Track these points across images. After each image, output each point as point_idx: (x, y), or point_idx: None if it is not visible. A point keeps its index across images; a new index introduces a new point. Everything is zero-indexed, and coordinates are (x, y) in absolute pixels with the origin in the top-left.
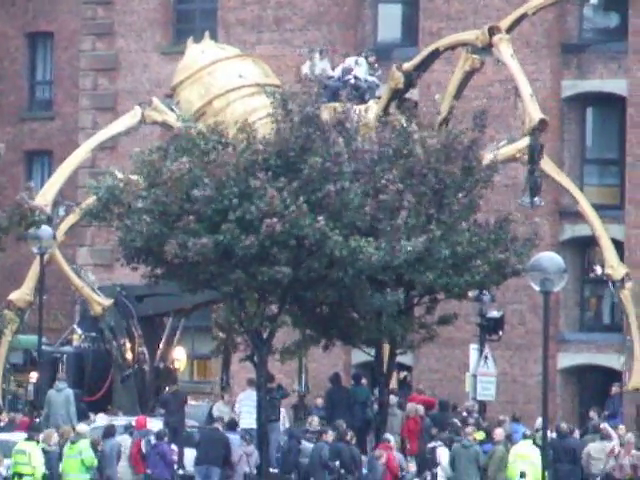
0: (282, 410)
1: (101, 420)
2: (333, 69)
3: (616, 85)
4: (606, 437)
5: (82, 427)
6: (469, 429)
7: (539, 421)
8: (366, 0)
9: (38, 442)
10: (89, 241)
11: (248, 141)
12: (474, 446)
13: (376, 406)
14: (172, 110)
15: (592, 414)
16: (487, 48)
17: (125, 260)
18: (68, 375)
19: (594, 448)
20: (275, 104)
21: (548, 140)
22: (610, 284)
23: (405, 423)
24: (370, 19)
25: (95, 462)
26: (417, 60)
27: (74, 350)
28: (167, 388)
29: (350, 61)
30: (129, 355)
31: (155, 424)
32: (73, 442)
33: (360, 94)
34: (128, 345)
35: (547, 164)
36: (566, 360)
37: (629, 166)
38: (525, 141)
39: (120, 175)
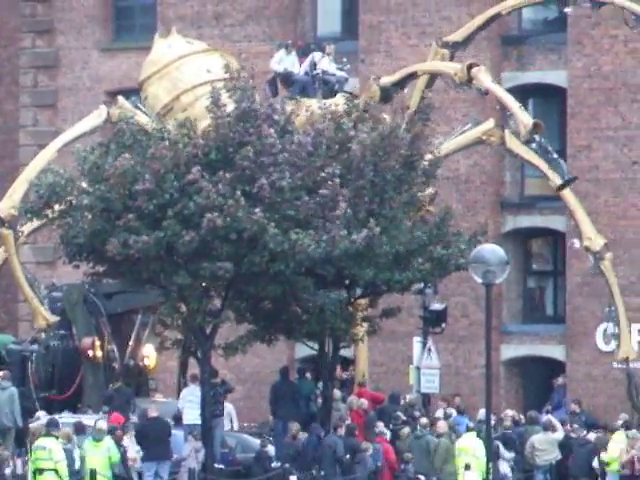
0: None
1: (44, 418)
2: (300, 64)
3: (556, 76)
4: (550, 428)
5: (102, 424)
6: (424, 420)
7: (482, 412)
8: None
9: (57, 437)
10: (31, 238)
11: (189, 136)
12: (426, 436)
13: (320, 400)
14: (138, 108)
15: (573, 406)
16: (466, 84)
17: (67, 258)
18: (38, 373)
19: (538, 439)
20: (210, 100)
21: None
22: (590, 256)
23: (348, 416)
24: (309, 13)
25: (119, 459)
26: (395, 77)
27: (52, 346)
28: (110, 385)
29: (316, 55)
30: (99, 353)
31: (100, 421)
32: (97, 439)
33: (329, 88)
34: (97, 343)
35: (515, 144)
36: (509, 351)
37: (570, 157)
38: (490, 123)
39: (62, 172)
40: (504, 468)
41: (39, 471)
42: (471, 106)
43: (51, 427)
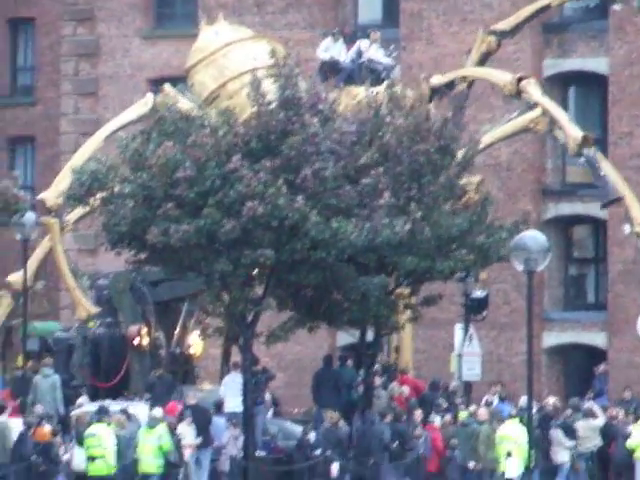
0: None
1: (88, 405)
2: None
3: (598, 64)
4: (591, 415)
5: (158, 411)
6: (473, 407)
7: (523, 399)
8: None
9: (109, 424)
10: (72, 226)
11: (229, 124)
12: (472, 424)
13: (361, 388)
14: (184, 96)
15: (626, 394)
16: (515, 96)
17: (109, 245)
18: (83, 361)
19: (580, 426)
20: (250, 87)
21: None
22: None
23: (394, 402)
24: (350, 0)
25: (172, 447)
26: (446, 79)
27: (90, 336)
28: (152, 372)
29: (363, 43)
30: (145, 341)
31: (141, 408)
32: (151, 427)
33: (376, 76)
34: (144, 331)
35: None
36: (551, 339)
37: (611, 144)
38: (537, 111)
39: (103, 159)
40: (563, 456)
41: (91, 458)
42: None
43: (102, 414)
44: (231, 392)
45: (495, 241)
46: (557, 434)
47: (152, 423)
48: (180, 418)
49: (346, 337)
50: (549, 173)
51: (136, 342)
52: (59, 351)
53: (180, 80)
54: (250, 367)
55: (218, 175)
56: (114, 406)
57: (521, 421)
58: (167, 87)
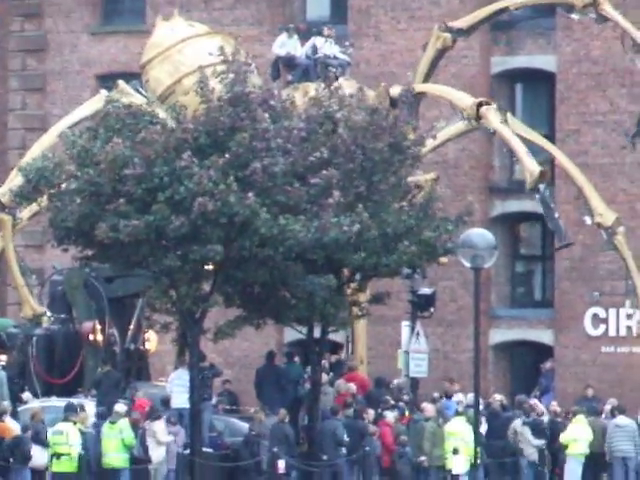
0: None
1: (32, 402)
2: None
3: (545, 61)
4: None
5: (120, 407)
6: (424, 404)
7: (470, 397)
8: None
9: (75, 422)
10: (26, 222)
11: (178, 120)
12: (420, 421)
13: (308, 385)
14: (138, 92)
15: (588, 391)
16: (474, 120)
17: (56, 241)
18: (38, 357)
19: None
20: (198, 84)
21: None
22: (602, 232)
23: (335, 401)
24: None
25: (134, 442)
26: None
27: (44, 332)
28: (99, 369)
29: (319, 39)
30: (99, 337)
31: (89, 405)
32: (112, 422)
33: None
34: (98, 327)
35: (515, 124)
36: (498, 336)
37: (559, 142)
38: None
39: (50, 156)
40: (532, 454)
41: (57, 456)
42: (462, 90)
43: (69, 412)
44: (178, 389)
45: (440, 233)
46: (524, 431)
47: (114, 418)
48: (154, 415)
49: (293, 333)
50: (496, 170)
51: (90, 338)
52: (13, 347)
53: (128, 76)
54: (197, 363)
55: (167, 172)
56: (59, 403)
57: (468, 419)
58: (121, 83)
